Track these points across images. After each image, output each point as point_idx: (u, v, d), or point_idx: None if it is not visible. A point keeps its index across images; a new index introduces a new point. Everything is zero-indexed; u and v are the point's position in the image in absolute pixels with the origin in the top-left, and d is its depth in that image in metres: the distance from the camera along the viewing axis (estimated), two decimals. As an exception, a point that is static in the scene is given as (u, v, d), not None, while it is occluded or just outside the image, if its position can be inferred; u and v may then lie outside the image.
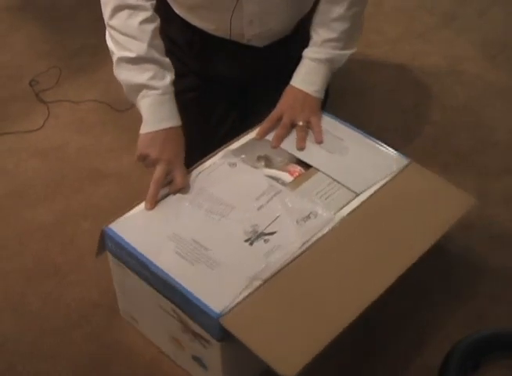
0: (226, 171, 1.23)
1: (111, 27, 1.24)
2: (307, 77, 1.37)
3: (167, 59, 1.26)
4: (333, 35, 1.36)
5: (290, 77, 1.51)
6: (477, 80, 1.93)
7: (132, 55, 1.21)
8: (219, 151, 1.27)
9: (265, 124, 1.32)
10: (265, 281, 1.05)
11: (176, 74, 1.43)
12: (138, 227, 1.12)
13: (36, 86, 1.86)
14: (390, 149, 1.28)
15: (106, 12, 1.24)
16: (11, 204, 1.53)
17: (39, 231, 1.44)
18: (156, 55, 1.23)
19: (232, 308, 1.00)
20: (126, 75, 1.24)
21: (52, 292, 1.34)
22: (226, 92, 1.51)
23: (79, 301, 1.33)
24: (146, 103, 1.23)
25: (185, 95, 1.47)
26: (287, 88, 1.38)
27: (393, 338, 1.28)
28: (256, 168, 1.25)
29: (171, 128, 1.23)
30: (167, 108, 1.24)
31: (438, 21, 2.18)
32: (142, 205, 1.15)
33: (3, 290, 1.35)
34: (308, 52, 1.38)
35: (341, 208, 1.16)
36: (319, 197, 1.18)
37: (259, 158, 1.29)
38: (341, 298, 1.05)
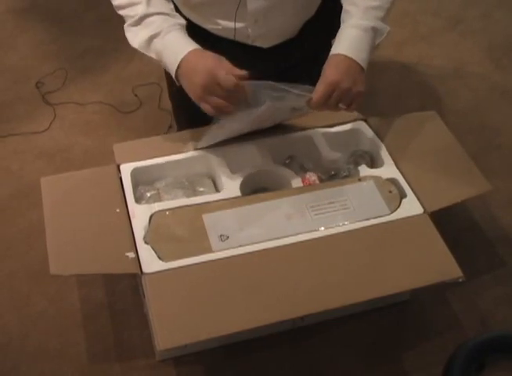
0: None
1: (116, 7, 1.27)
2: (353, 44, 1.22)
3: (173, 12, 1.25)
4: (375, 3, 1.25)
5: (291, 80, 1.52)
6: (482, 82, 1.93)
7: (135, 17, 1.23)
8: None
9: (318, 99, 1.19)
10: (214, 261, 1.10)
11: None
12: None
13: (42, 88, 1.87)
14: (413, 195, 1.22)
15: None
16: (16, 204, 1.54)
17: (45, 232, 1.44)
18: (157, 9, 1.23)
19: (164, 271, 1.07)
20: (136, 37, 1.24)
21: (58, 292, 1.35)
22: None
23: (84, 301, 1.33)
24: (162, 48, 1.21)
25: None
26: (330, 59, 1.22)
27: (395, 342, 1.28)
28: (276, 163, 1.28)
29: (189, 52, 1.19)
30: (181, 40, 1.22)
31: (442, 24, 2.18)
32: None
33: (9, 290, 1.36)
34: (351, 20, 1.23)
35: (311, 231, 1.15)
36: (311, 211, 1.18)
37: (289, 157, 1.32)
38: (265, 301, 1.05)
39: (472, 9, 2.23)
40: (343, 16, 1.28)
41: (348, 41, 1.22)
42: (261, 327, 1.03)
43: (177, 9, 1.41)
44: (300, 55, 1.49)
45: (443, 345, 1.26)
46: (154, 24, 1.23)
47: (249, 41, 1.40)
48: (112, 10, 1.28)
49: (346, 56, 1.21)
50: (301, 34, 1.45)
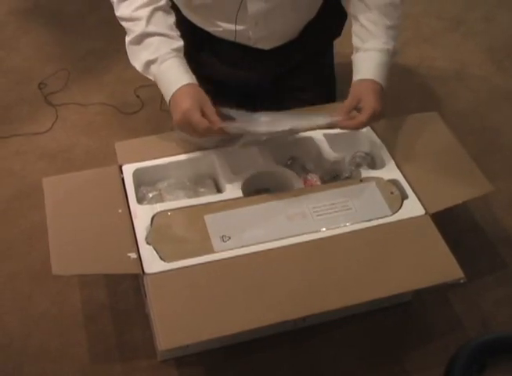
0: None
1: (118, 17, 1.28)
2: (381, 70, 1.27)
3: (172, 32, 1.26)
4: (391, 22, 1.30)
5: (293, 81, 1.52)
6: (484, 84, 1.93)
7: (136, 33, 1.25)
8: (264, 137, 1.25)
9: (342, 113, 1.23)
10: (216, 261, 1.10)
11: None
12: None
13: (44, 89, 1.87)
14: (415, 196, 1.22)
15: (114, 5, 1.29)
16: (18, 205, 1.54)
17: (46, 232, 1.45)
18: (156, 28, 1.25)
19: (165, 271, 1.07)
20: (136, 59, 1.26)
21: (59, 293, 1.35)
22: (235, 95, 1.51)
23: (86, 302, 1.33)
24: (158, 76, 1.24)
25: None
26: (365, 84, 1.26)
27: (397, 342, 1.28)
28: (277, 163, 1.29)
29: (178, 89, 1.22)
30: (175, 71, 1.24)
31: (445, 26, 2.18)
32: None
33: (11, 290, 1.36)
34: (375, 43, 1.29)
35: (313, 232, 1.15)
36: (313, 212, 1.19)
37: (291, 158, 1.33)
38: (267, 302, 1.05)
39: (474, 11, 2.24)
40: (361, 32, 1.30)
41: (379, 67, 1.27)
42: (263, 328, 1.04)
43: (179, 12, 1.42)
44: (301, 56, 1.49)
45: (445, 345, 1.26)
46: (152, 47, 1.24)
47: (250, 43, 1.41)
48: (114, 12, 1.28)
49: (378, 83, 1.26)
50: (302, 36, 1.45)
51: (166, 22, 1.27)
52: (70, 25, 2.13)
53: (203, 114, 1.18)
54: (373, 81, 1.26)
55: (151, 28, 1.24)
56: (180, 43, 1.26)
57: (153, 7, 1.25)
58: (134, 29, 1.25)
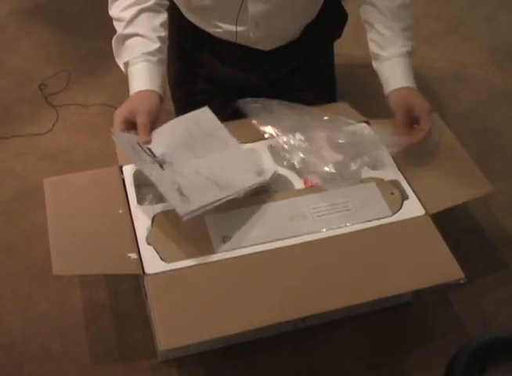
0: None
1: (111, 17, 1.30)
2: (410, 74, 1.31)
3: (151, 33, 1.26)
4: (406, 23, 1.32)
5: (293, 82, 1.52)
6: (484, 85, 1.93)
7: (118, 34, 1.27)
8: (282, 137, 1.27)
9: (404, 132, 1.27)
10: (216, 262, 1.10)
11: (187, 79, 1.44)
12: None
13: (45, 90, 1.87)
14: (415, 196, 1.22)
15: (108, 5, 1.31)
16: (19, 206, 1.54)
17: (47, 233, 1.45)
18: (136, 29, 1.26)
19: (166, 271, 1.07)
20: (119, 58, 1.29)
21: (60, 293, 1.35)
22: (235, 95, 1.51)
23: (86, 302, 1.33)
24: (129, 75, 1.26)
25: (197, 98, 1.49)
26: (407, 91, 1.29)
27: (397, 343, 1.28)
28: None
29: (135, 93, 1.24)
30: (135, 77, 1.25)
31: (445, 27, 2.18)
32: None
33: (11, 291, 1.36)
34: (394, 50, 1.31)
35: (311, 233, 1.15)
36: (313, 212, 1.18)
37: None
38: (267, 302, 1.05)
39: (474, 12, 2.24)
40: (379, 38, 1.32)
41: (406, 71, 1.30)
42: (263, 328, 1.03)
43: (179, 11, 1.42)
44: (302, 57, 1.49)
45: (445, 346, 1.26)
46: (128, 49, 1.26)
47: (250, 44, 1.41)
48: (114, 12, 1.29)
49: (412, 87, 1.29)
50: (303, 37, 1.45)
51: (150, 23, 1.27)
52: (71, 25, 2.14)
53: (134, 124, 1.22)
54: (408, 88, 1.28)
55: (130, 30, 1.26)
56: (155, 46, 1.26)
57: (140, 7, 1.26)
58: (117, 29, 1.28)
